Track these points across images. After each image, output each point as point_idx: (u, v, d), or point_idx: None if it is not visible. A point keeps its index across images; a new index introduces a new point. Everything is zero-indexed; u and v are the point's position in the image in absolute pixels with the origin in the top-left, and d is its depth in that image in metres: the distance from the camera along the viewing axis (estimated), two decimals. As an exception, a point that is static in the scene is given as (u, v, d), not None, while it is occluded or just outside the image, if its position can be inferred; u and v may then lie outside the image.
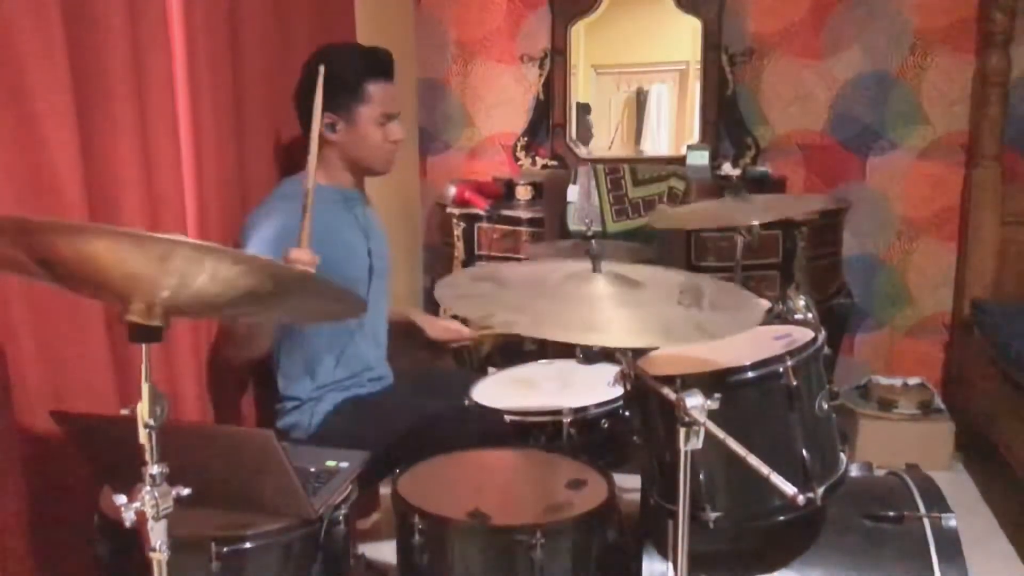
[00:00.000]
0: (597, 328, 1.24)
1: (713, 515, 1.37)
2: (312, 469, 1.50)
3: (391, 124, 1.94)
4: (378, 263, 2.03)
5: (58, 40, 1.36)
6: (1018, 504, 2.56)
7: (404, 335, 2.77)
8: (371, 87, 1.91)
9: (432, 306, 3.36)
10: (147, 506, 1.03)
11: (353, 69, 1.90)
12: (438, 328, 2.28)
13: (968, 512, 2.54)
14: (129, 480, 1.04)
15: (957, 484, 2.76)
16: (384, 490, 1.92)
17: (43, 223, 0.96)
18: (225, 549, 1.28)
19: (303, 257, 1.62)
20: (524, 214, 3.09)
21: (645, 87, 3.41)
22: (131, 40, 1.54)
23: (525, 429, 1.80)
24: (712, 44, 3.25)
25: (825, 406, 1.42)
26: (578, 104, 3.46)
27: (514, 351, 2.34)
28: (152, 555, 1.05)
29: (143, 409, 1.02)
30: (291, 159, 2.13)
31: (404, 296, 3.41)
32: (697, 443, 1.18)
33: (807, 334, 1.49)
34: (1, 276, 1.32)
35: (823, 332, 1.48)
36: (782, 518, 1.37)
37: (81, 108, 1.42)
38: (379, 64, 1.94)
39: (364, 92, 1.90)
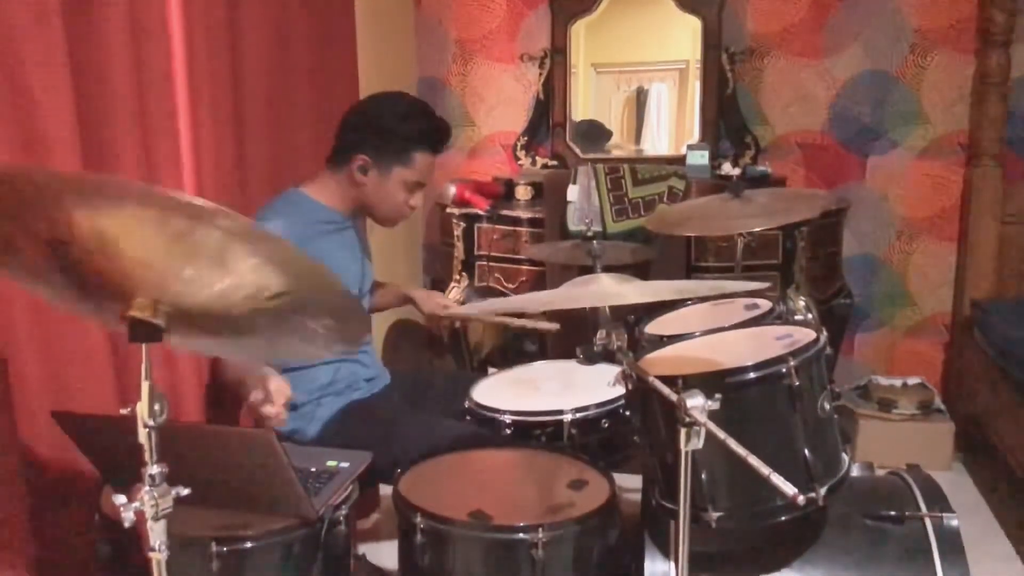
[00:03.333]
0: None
1: (715, 515, 1.37)
2: (313, 469, 1.49)
3: (418, 192, 1.95)
4: (368, 281, 2.08)
5: (59, 41, 1.35)
6: (1018, 504, 2.56)
7: (401, 333, 2.78)
8: (419, 156, 1.89)
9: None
10: (146, 506, 1.02)
11: (411, 131, 1.88)
12: (432, 303, 2.28)
13: (968, 512, 2.54)
14: (130, 480, 1.04)
15: (957, 484, 2.76)
16: (384, 490, 1.92)
17: (76, 177, 0.93)
18: (225, 549, 1.28)
19: (279, 389, 1.57)
20: (524, 214, 3.09)
21: (645, 86, 3.41)
22: (131, 41, 1.54)
23: (526, 429, 1.80)
24: (712, 44, 3.25)
25: (827, 406, 1.41)
26: (590, 121, 3.45)
27: (514, 351, 2.34)
28: (151, 555, 1.04)
29: (143, 409, 1.02)
30: (291, 159, 2.13)
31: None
32: (698, 443, 1.18)
33: (809, 334, 1.49)
34: (2, 276, 1.31)
35: (824, 332, 1.48)
36: (784, 518, 1.37)
37: (82, 109, 1.41)
38: (437, 138, 1.93)
39: (410, 157, 1.88)
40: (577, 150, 3.44)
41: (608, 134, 3.45)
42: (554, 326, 2.23)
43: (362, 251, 2.05)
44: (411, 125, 1.89)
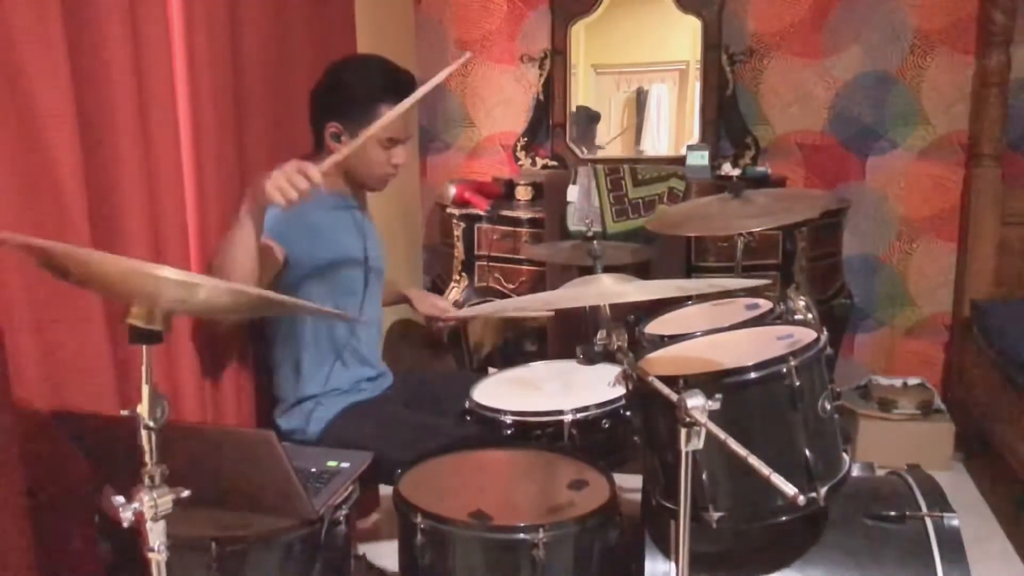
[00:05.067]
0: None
1: (716, 515, 1.37)
2: (313, 469, 1.50)
3: (396, 148, 1.91)
4: (375, 264, 2.03)
5: (58, 42, 1.35)
6: (1018, 504, 2.56)
7: (401, 333, 2.78)
8: (384, 110, 1.84)
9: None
10: (145, 507, 1.02)
11: (371, 87, 1.86)
12: (426, 304, 2.30)
13: (968, 512, 2.54)
14: (130, 480, 1.04)
15: (957, 484, 2.76)
16: (385, 490, 1.91)
17: (46, 248, 0.98)
18: (225, 549, 1.28)
19: (309, 171, 1.56)
20: (524, 214, 3.09)
21: (645, 87, 3.41)
22: (132, 42, 1.53)
23: (526, 430, 1.80)
24: (712, 44, 3.25)
25: (828, 406, 1.41)
26: (581, 108, 3.45)
27: (515, 352, 2.34)
28: (150, 556, 1.04)
29: (143, 411, 1.02)
30: (291, 158, 2.12)
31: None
32: (698, 444, 1.18)
33: (809, 334, 1.49)
34: (2, 275, 1.31)
35: (825, 332, 1.48)
36: (785, 518, 1.37)
37: (82, 110, 1.41)
38: (399, 88, 1.86)
39: (376, 113, 1.83)
40: (577, 151, 3.44)
41: (596, 116, 3.45)
42: (549, 312, 2.23)
43: (365, 233, 2.02)
44: (371, 82, 1.86)
